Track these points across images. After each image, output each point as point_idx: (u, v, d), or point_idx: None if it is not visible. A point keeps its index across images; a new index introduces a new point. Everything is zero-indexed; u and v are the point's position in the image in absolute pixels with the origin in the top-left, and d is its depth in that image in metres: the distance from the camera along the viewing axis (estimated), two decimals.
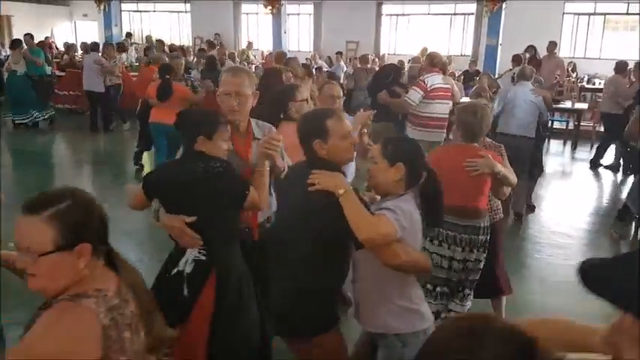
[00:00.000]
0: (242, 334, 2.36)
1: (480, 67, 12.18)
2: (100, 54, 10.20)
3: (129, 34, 13.66)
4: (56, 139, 10.33)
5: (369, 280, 2.23)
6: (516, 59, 9.15)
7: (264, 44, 17.55)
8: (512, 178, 3.12)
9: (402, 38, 17.63)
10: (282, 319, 2.26)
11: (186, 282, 2.26)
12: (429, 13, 17.26)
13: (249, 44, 15.97)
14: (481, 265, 3.19)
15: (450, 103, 5.72)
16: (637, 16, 15.06)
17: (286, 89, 3.52)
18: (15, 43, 10.58)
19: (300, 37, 18.54)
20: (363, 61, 10.25)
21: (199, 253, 2.28)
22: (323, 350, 2.16)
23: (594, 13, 15.46)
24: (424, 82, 5.53)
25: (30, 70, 10.22)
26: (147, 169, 7.30)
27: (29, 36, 10.83)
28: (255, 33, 19.35)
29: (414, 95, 5.47)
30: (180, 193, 2.29)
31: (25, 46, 10.31)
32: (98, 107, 10.10)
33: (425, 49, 13.55)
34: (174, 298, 2.21)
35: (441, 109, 5.59)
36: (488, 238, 3.16)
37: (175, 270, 2.29)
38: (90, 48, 10.68)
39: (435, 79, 5.67)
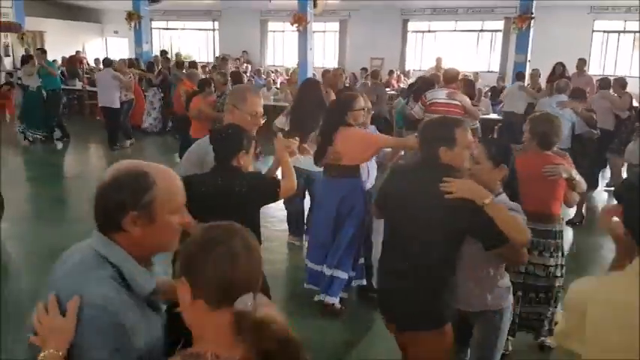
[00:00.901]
0: None
1: (507, 83, 12.06)
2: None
3: (164, 52, 13.85)
4: (67, 154, 10.36)
5: (474, 268, 2.44)
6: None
7: (289, 61, 17.69)
8: (584, 185, 3.31)
9: (427, 54, 17.60)
10: (407, 314, 2.37)
11: None
12: (455, 30, 17.24)
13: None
14: (564, 270, 3.38)
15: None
16: None
17: (346, 99, 3.87)
18: (26, 59, 10.61)
19: (325, 53, 18.66)
20: (374, 77, 10.35)
21: None
22: (440, 341, 2.34)
23: (624, 31, 15.26)
24: (425, 97, 6.02)
25: (46, 84, 10.18)
26: None
27: (40, 50, 10.91)
28: (281, 50, 19.56)
29: (418, 110, 5.95)
30: (222, 204, 2.37)
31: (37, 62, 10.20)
32: (116, 122, 9.95)
33: (439, 59, 13.52)
34: None
35: None
36: (561, 242, 3.37)
37: None
38: (104, 63, 10.53)
39: (435, 94, 6.06)
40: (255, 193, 2.56)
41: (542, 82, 10.14)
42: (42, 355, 1.24)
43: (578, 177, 3.22)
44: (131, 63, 12.26)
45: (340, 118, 3.76)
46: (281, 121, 5.13)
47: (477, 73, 13.58)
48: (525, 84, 9.96)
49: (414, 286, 2.30)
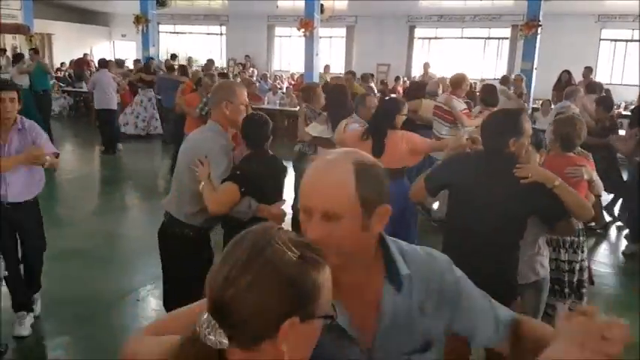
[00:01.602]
0: None
1: (513, 91, 12.01)
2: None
3: (174, 56, 13.91)
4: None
5: (530, 244, 2.74)
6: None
7: (295, 66, 17.72)
8: (601, 187, 3.49)
9: (434, 61, 17.57)
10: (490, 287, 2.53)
11: None
12: (462, 37, 17.22)
13: (326, 67, 14.81)
14: (586, 264, 3.64)
15: (448, 124, 5.90)
16: None
17: (394, 104, 4.19)
18: (17, 57, 10.51)
19: (331, 59, 18.67)
20: (365, 80, 10.53)
21: None
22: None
23: (632, 40, 15.20)
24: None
25: (37, 84, 10.04)
26: None
27: (34, 51, 10.91)
28: (288, 55, 19.60)
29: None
30: (273, 184, 2.82)
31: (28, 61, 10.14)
32: (113, 125, 9.91)
33: (426, 65, 13.58)
34: None
35: (436, 127, 5.99)
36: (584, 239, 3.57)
37: None
38: (100, 64, 10.33)
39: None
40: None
41: (548, 90, 10.08)
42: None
43: (596, 179, 3.38)
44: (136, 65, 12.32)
45: (389, 122, 3.98)
46: (319, 129, 5.05)
47: (483, 80, 13.56)
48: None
49: (490, 265, 2.38)
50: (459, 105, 5.87)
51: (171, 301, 3.03)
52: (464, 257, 2.20)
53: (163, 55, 18.82)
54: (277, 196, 2.87)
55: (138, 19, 14.01)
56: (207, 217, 2.86)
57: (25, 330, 3.65)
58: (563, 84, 9.85)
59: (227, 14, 19.69)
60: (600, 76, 14.37)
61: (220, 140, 2.85)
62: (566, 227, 2.66)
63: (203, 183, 2.71)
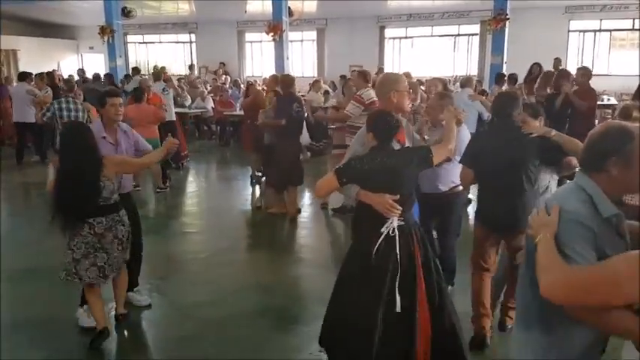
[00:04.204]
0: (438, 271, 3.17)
1: (485, 86, 12.01)
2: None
3: (136, 69, 13.60)
4: None
5: (541, 190, 3.69)
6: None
7: (267, 71, 17.56)
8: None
9: (406, 60, 17.58)
10: (512, 222, 3.49)
11: (387, 241, 2.98)
12: (432, 35, 17.24)
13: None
14: None
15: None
16: None
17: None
18: None
19: (304, 62, 18.58)
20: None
21: (399, 219, 2.99)
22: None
23: (600, 30, 15.34)
24: (361, 97, 5.88)
25: None
26: None
27: None
28: (259, 60, 19.45)
29: (354, 109, 5.80)
30: (385, 177, 3.00)
31: None
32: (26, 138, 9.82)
33: (408, 74, 13.56)
34: (379, 255, 2.97)
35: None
36: None
37: (382, 233, 2.97)
38: (18, 78, 10.37)
39: (370, 94, 6.13)
40: (410, 164, 3.06)
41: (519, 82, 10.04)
42: (537, 238, 1.84)
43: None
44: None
45: None
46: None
47: (455, 76, 13.57)
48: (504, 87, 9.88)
49: (515, 203, 3.21)
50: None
51: None
52: (488, 194, 3.67)
53: (133, 66, 18.59)
54: (390, 188, 3.01)
55: (103, 30, 13.77)
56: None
57: None
58: (534, 76, 9.83)
59: (196, 22, 19.48)
60: (570, 67, 14.45)
61: None
62: (569, 164, 3.46)
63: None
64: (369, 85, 6.33)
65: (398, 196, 2.97)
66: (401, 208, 2.97)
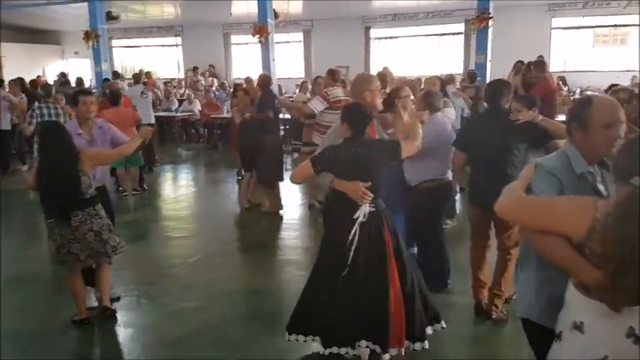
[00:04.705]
0: (409, 257, 3.43)
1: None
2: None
3: (116, 73, 13.51)
4: None
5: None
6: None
7: (254, 73, 17.55)
8: None
9: (392, 60, 17.65)
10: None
11: (360, 228, 3.18)
12: (417, 35, 17.34)
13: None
14: None
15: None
16: (625, 29, 15.14)
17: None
18: None
19: (290, 63, 18.59)
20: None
21: (370, 206, 3.20)
22: None
23: (582, 27, 15.51)
24: (327, 94, 6.09)
25: None
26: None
27: None
28: (246, 62, 19.42)
29: (318, 104, 5.98)
30: (358, 165, 3.19)
31: None
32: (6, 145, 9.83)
33: (386, 69, 13.65)
34: (351, 240, 3.16)
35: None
36: None
37: (356, 219, 3.17)
38: None
39: (336, 92, 6.45)
40: (381, 155, 3.28)
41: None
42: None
43: None
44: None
45: None
46: None
47: (441, 75, 13.62)
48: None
49: (502, 185, 2.86)
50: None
51: None
52: (479, 176, 3.93)
53: (117, 71, 18.49)
54: (363, 177, 3.20)
55: (88, 35, 13.67)
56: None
57: None
58: (516, 73, 9.94)
59: (181, 25, 19.43)
60: (554, 65, 14.63)
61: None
62: (555, 146, 3.43)
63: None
64: (338, 84, 6.65)
65: (370, 184, 3.16)
66: (372, 195, 3.18)
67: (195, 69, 17.48)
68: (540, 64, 8.71)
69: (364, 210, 3.19)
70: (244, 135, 7.35)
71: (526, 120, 3.70)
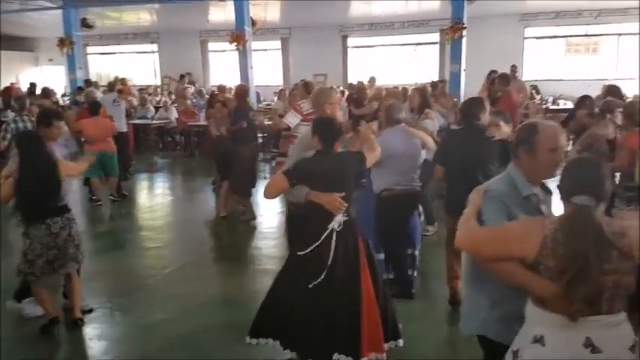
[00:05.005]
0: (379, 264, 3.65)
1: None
2: None
3: (88, 81, 13.33)
4: None
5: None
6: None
7: (232, 80, 17.54)
8: None
9: (369, 69, 17.79)
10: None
11: (336, 236, 3.26)
12: (393, 44, 17.51)
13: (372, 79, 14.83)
14: None
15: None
16: (597, 38, 15.49)
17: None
18: None
19: (269, 71, 18.61)
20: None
21: (343, 215, 3.28)
22: None
23: (554, 36, 15.82)
24: (300, 107, 5.99)
25: None
26: None
27: None
28: (224, 69, 19.39)
29: (293, 119, 5.87)
30: (332, 177, 3.30)
31: None
32: None
33: (373, 78, 13.81)
34: (328, 248, 3.24)
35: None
36: None
37: (330, 228, 3.25)
38: None
39: (309, 105, 6.34)
40: (350, 166, 3.44)
41: (477, 89, 10.29)
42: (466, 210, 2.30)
43: None
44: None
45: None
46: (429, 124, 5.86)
47: (417, 84, 13.77)
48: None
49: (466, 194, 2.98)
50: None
51: None
52: (455, 189, 4.09)
53: (93, 78, 18.28)
54: (337, 187, 3.31)
55: (62, 42, 13.52)
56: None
57: None
58: (490, 83, 10.10)
59: (157, 31, 19.31)
60: (527, 74, 14.91)
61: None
62: None
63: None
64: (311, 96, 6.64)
65: (343, 194, 3.28)
66: (347, 205, 3.29)
67: (182, 77, 17.36)
68: (504, 77, 8.88)
69: (339, 219, 3.27)
70: (219, 145, 7.39)
71: (501, 138, 3.96)
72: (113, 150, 8.19)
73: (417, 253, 4.82)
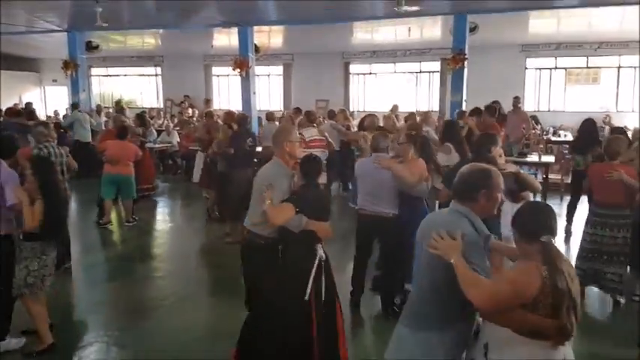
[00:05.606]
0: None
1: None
2: None
3: (75, 105, 13.30)
4: None
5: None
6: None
7: (234, 105, 17.63)
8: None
9: (370, 95, 17.93)
10: None
11: (325, 265, 3.64)
12: (395, 72, 17.65)
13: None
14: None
15: (327, 151, 7.60)
16: (598, 69, 15.60)
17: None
18: None
19: (270, 96, 18.73)
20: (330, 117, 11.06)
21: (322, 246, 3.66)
22: None
23: (555, 68, 15.94)
24: (302, 135, 6.63)
25: None
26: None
27: None
28: (226, 94, 19.52)
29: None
30: (323, 207, 3.77)
31: None
32: None
33: (396, 107, 13.81)
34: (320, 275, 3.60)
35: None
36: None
37: (318, 258, 3.59)
38: None
39: (310, 132, 7.39)
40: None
41: None
42: (453, 259, 2.34)
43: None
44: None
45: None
46: (443, 158, 6.04)
47: (419, 111, 13.83)
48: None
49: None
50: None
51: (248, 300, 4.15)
52: None
53: (96, 99, 18.39)
54: (325, 216, 3.72)
55: (67, 65, 13.63)
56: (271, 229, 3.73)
57: None
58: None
59: (162, 55, 19.48)
60: (527, 104, 14.98)
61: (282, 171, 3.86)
62: (523, 197, 4.11)
63: (268, 202, 3.58)
64: (314, 125, 7.60)
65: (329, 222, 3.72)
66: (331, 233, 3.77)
67: (182, 102, 17.52)
68: (490, 109, 9.04)
69: (321, 249, 3.63)
70: (214, 172, 7.82)
71: (511, 172, 4.17)
72: (130, 173, 8.24)
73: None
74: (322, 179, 4.20)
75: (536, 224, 2.34)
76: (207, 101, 16.89)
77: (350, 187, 10.23)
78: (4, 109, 14.58)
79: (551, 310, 2.22)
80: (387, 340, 2.80)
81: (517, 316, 2.26)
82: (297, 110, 12.57)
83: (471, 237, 2.43)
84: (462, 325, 2.54)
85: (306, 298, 3.48)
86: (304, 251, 3.59)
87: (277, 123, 11.02)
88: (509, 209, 4.88)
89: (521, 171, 4.33)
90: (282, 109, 17.19)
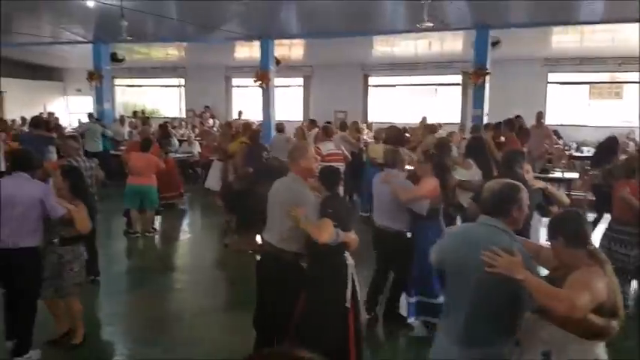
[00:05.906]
0: None
1: (467, 134, 12.20)
2: None
3: (91, 115, 13.63)
4: None
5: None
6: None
7: (254, 115, 17.75)
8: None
9: (389, 107, 17.90)
10: None
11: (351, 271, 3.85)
12: (415, 84, 17.61)
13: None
14: None
15: (343, 164, 7.75)
16: (620, 84, 15.39)
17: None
18: None
19: (290, 107, 18.81)
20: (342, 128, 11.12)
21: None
22: None
23: (578, 82, 15.75)
24: (319, 149, 6.92)
25: None
26: None
27: None
28: (246, 104, 19.64)
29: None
30: (350, 218, 3.96)
31: None
32: None
33: (425, 119, 13.76)
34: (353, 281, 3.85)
35: None
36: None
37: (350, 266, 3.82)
38: None
39: (327, 146, 7.68)
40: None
41: None
42: (521, 277, 2.38)
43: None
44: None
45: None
46: (464, 174, 6.02)
47: (439, 124, 13.78)
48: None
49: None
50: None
51: (260, 320, 4.19)
52: None
53: (119, 109, 18.67)
54: (351, 226, 3.86)
55: (91, 76, 13.88)
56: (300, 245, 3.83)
57: None
58: (517, 128, 10.03)
59: (185, 66, 19.71)
60: (550, 119, 14.81)
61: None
62: (552, 212, 4.21)
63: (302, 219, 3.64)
64: (331, 139, 7.81)
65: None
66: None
67: (202, 113, 17.73)
68: (510, 122, 8.99)
69: (349, 257, 3.84)
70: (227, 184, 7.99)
71: (540, 187, 4.40)
72: (152, 184, 8.34)
73: (412, 300, 5.05)
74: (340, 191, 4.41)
75: (585, 231, 2.53)
76: (240, 113, 17.24)
77: (355, 197, 10.33)
78: (28, 117, 14.96)
79: (612, 311, 2.39)
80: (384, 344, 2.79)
81: (589, 319, 2.36)
82: (312, 122, 12.66)
83: (522, 250, 2.54)
84: (514, 338, 2.63)
85: (347, 305, 3.70)
86: (338, 260, 3.78)
87: (286, 134, 11.05)
88: (538, 224, 5.01)
89: (549, 186, 4.54)
90: (302, 119, 17.24)
